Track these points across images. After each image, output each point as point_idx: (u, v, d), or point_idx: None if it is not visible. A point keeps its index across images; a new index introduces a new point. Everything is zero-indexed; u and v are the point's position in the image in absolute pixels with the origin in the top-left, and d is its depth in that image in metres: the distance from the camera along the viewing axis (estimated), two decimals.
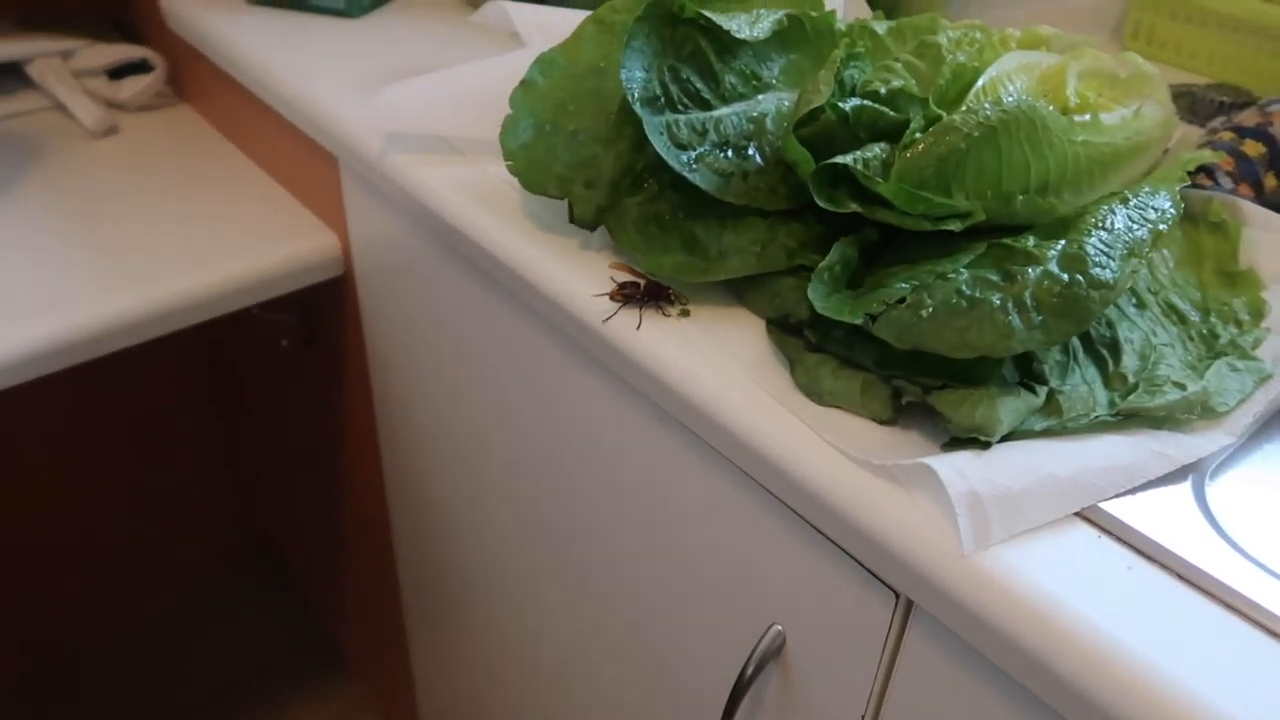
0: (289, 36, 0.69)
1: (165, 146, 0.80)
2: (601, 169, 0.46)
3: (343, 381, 0.82)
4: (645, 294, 0.44)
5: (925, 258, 0.41)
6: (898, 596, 0.37)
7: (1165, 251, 0.47)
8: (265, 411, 1.01)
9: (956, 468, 0.34)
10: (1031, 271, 0.36)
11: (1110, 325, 0.42)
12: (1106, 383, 0.39)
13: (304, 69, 0.65)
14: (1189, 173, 0.48)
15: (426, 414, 0.69)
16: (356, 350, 0.76)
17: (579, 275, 0.46)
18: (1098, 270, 0.37)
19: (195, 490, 1.16)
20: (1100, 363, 0.40)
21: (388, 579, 0.88)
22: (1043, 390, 0.38)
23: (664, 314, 0.44)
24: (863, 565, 0.38)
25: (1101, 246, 0.37)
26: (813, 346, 0.40)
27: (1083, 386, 0.39)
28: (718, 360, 0.41)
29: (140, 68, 0.84)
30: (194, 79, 0.83)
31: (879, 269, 0.43)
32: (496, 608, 0.70)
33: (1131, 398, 0.38)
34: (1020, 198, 0.41)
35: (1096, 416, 0.37)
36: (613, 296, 0.44)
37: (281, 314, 0.82)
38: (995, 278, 0.37)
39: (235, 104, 0.78)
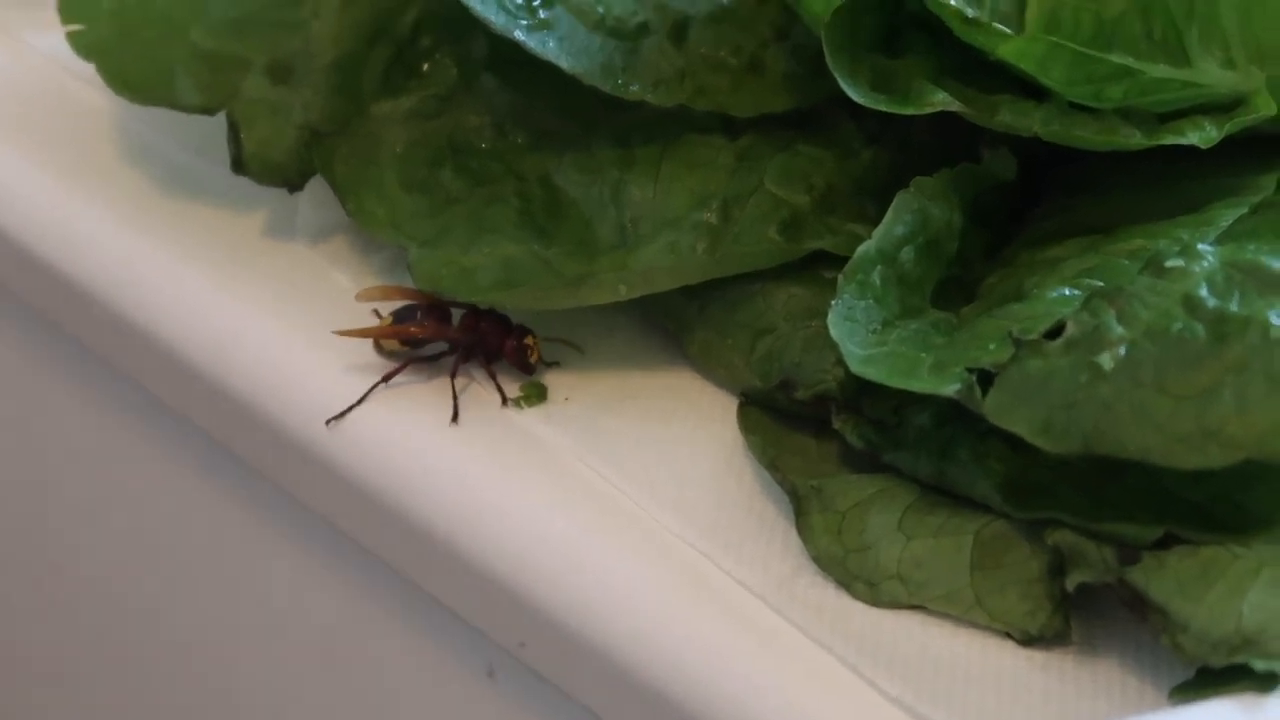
0: None
1: None
2: (312, 34, 0.49)
3: None
4: (462, 342, 0.47)
5: (1127, 220, 0.44)
6: None
7: None
8: None
9: None
10: None
11: None
12: None
13: None
14: None
15: None
16: None
17: (268, 310, 0.50)
18: None
19: None
20: None
21: None
22: None
23: (503, 396, 0.47)
24: None
25: None
26: (855, 459, 0.43)
27: None
28: (625, 511, 0.44)
29: None
30: None
31: (1017, 252, 0.46)
32: None
33: None
34: None
35: None
36: (378, 343, 0.48)
37: None
38: (1277, 264, 0.39)
39: None
